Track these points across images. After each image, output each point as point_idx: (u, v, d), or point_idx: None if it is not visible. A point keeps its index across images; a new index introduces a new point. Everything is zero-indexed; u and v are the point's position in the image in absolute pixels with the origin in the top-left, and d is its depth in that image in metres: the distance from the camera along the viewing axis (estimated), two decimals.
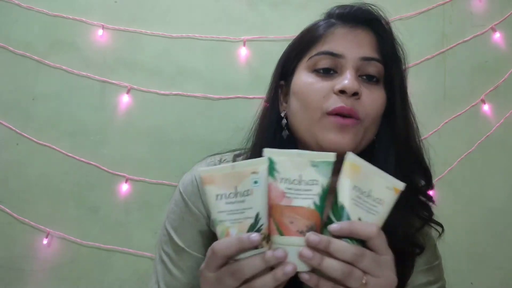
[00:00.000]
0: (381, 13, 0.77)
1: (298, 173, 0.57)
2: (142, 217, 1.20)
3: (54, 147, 1.18)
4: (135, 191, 1.20)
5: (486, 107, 1.32)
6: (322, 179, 0.57)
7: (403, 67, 0.77)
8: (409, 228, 0.75)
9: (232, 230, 0.56)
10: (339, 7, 0.78)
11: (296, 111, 0.74)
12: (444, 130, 1.31)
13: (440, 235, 0.81)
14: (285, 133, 0.77)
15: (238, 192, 0.56)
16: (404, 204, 0.73)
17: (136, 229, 1.20)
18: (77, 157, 1.18)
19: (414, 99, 1.28)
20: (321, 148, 0.70)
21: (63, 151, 1.18)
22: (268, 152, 0.58)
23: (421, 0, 1.31)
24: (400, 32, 1.34)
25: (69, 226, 1.18)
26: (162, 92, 1.21)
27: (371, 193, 0.57)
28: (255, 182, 0.56)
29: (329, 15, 0.79)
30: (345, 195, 0.56)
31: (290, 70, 0.78)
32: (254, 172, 0.56)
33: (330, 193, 0.58)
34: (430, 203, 0.80)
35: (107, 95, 1.20)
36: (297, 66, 0.77)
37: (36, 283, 1.16)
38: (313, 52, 0.74)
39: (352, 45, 0.72)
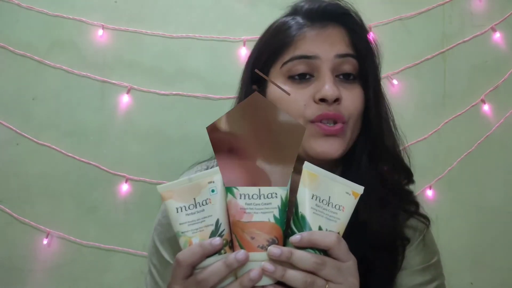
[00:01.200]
0: (350, 6, 0.75)
1: (257, 188, 0.57)
2: (142, 217, 1.20)
3: (54, 147, 1.18)
4: (135, 191, 1.20)
5: (486, 107, 1.32)
6: (281, 191, 0.57)
7: (377, 60, 0.76)
8: (396, 224, 0.75)
9: (195, 239, 0.57)
10: (307, 2, 0.75)
11: None
12: (444, 130, 1.31)
13: (427, 226, 0.79)
14: None
15: (197, 202, 0.58)
16: (383, 200, 0.73)
17: (136, 229, 1.20)
18: (77, 157, 1.18)
19: (414, 99, 1.29)
20: (309, 157, 0.69)
21: (63, 151, 1.18)
22: None
23: (421, 0, 1.31)
24: (400, 32, 1.34)
25: (69, 226, 1.18)
26: (162, 92, 1.21)
27: (330, 200, 0.58)
28: (213, 191, 0.58)
29: (296, 11, 0.76)
30: (304, 205, 0.57)
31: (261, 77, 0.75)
32: (210, 182, 0.58)
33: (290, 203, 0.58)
34: (412, 197, 0.79)
35: (107, 95, 1.20)
36: (269, 73, 0.74)
37: (36, 283, 1.16)
38: (286, 57, 0.71)
39: (324, 45, 0.70)
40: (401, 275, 0.75)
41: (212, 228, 0.57)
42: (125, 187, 1.19)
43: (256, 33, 1.23)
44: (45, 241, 1.16)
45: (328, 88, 0.67)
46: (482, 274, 1.30)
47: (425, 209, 0.81)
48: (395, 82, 1.28)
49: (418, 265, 0.77)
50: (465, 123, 1.31)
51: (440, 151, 1.31)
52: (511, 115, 1.33)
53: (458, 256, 1.29)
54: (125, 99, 1.20)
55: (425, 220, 0.79)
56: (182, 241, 0.58)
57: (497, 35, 1.32)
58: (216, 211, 0.58)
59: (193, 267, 0.56)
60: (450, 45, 1.32)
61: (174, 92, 1.22)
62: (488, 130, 1.32)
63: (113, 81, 1.20)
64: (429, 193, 1.29)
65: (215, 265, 0.55)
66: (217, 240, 0.56)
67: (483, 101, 1.32)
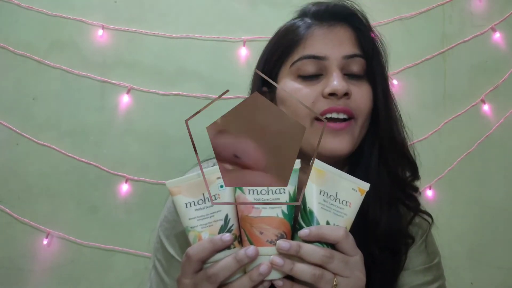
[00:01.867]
0: (356, 7, 0.76)
1: None
2: (142, 217, 1.20)
3: (54, 147, 1.18)
4: (135, 191, 1.20)
5: (486, 107, 1.32)
6: (289, 186, 0.57)
7: (383, 59, 0.77)
8: (402, 222, 0.75)
9: (204, 234, 0.57)
10: (314, 4, 0.77)
11: None
12: (444, 130, 1.31)
13: (430, 225, 0.80)
14: None
15: (206, 198, 0.58)
16: (391, 198, 0.73)
17: (136, 229, 1.20)
18: (77, 157, 1.18)
19: (414, 99, 1.29)
20: (318, 154, 0.69)
21: (63, 151, 1.18)
22: None
23: (421, 0, 1.31)
24: (400, 32, 1.34)
25: (69, 226, 1.18)
26: (162, 92, 1.21)
27: (337, 196, 0.59)
28: (221, 186, 0.58)
29: (304, 13, 0.78)
30: (312, 200, 0.58)
31: (272, 76, 0.76)
32: (219, 177, 0.58)
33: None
34: (416, 194, 0.80)
35: (107, 95, 1.20)
36: (279, 72, 0.75)
37: (36, 283, 1.16)
38: (295, 57, 0.73)
39: (333, 45, 0.71)
40: (403, 275, 0.76)
41: (221, 223, 0.57)
42: (125, 187, 1.19)
43: (256, 33, 1.25)
44: (45, 241, 1.16)
45: (337, 83, 0.68)
46: (482, 273, 1.30)
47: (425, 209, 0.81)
48: (395, 82, 1.28)
49: (421, 265, 0.77)
50: (465, 123, 1.32)
51: (440, 151, 1.31)
52: (511, 115, 1.33)
53: (458, 256, 1.28)
54: (125, 99, 1.20)
55: (428, 217, 0.79)
56: (191, 236, 0.58)
57: (497, 35, 1.32)
58: (225, 206, 0.58)
59: (203, 262, 0.57)
60: (450, 45, 1.32)
61: (174, 92, 1.22)
62: (488, 130, 1.32)
63: (113, 81, 1.20)
64: (429, 193, 1.30)
65: (225, 260, 0.55)
66: (227, 236, 0.56)
67: (483, 101, 1.32)
